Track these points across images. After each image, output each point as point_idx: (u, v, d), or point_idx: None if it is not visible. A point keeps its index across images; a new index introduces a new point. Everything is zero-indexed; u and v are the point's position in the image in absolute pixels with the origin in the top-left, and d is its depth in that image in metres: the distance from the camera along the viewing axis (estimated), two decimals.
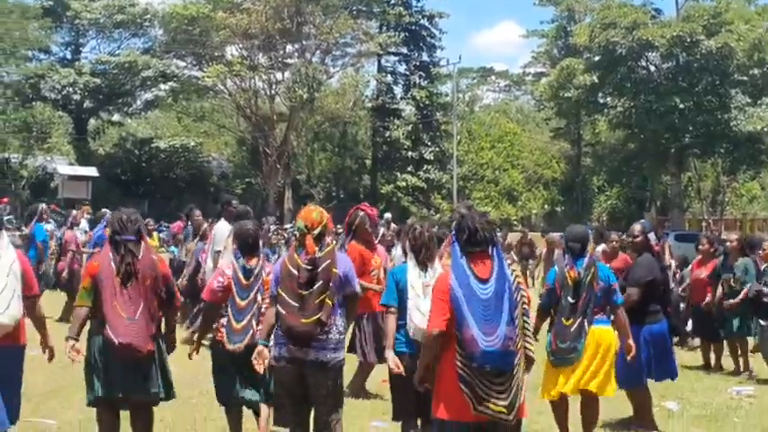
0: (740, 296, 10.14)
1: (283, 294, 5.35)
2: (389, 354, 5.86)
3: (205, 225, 12.28)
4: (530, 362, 4.49)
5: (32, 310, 5.76)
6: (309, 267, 5.34)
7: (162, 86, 44.01)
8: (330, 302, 5.35)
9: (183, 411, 7.42)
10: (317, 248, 5.40)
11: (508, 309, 4.28)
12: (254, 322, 5.98)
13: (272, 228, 18.17)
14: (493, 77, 70.93)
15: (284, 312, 5.33)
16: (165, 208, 34.96)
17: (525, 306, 4.47)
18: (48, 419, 6.90)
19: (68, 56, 45.09)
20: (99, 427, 5.83)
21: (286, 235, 22.49)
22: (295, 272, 5.35)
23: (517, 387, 4.28)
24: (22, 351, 5.73)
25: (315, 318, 5.28)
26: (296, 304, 5.30)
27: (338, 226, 12.00)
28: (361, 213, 8.27)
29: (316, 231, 5.45)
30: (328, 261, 5.39)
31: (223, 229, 9.90)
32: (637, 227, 7.89)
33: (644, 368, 7.33)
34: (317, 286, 5.33)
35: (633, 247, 7.95)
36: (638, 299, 7.37)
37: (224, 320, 6.17)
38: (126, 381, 5.59)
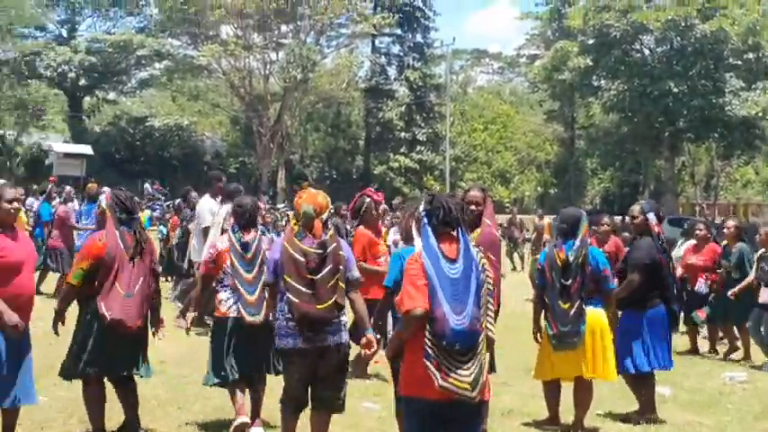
0: (743, 284, 10.07)
1: (291, 282, 5.29)
2: (369, 333, 5.56)
3: None
4: (490, 342, 4.50)
5: None
6: (319, 251, 5.35)
7: (157, 65, 43.90)
8: (343, 285, 5.37)
9: (175, 389, 7.55)
10: (323, 232, 5.43)
11: (475, 289, 4.32)
12: (265, 294, 6.04)
13: (265, 207, 18.29)
14: (486, 59, 70.74)
15: (296, 300, 5.27)
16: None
17: (490, 287, 4.48)
18: (40, 396, 7.04)
19: (64, 34, 44.95)
20: (87, 403, 6.03)
21: (278, 215, 22.57)
22: (301, 258, 5.31)
23: (480, 365, 4.29)
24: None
25: (330, 302, 5.30)
26: (308, 291, 5.28)
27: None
28: (368, 199, 8.32)
29: (324, 215, 5.49)
30: (335, 244, 5.41)
31: (207, 204, 9.86)
32: (636, 207, 7.59)
33: (641, 355, 7.14)
34: (327, 270, 5.32)
35: (634, 229, 7.61)
36: (640, 283, 7.13)
37: (225, 295, 6.30)
38: (116, 357, 5.82)
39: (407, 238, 5.11)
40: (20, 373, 5.47)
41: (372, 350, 5.41)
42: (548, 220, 18.18)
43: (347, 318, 5.61)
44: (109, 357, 5.84)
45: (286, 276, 5.32)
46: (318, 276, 5.30)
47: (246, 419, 6.21)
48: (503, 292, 8.08)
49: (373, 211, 8.35)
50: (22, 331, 5.37)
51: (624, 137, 41.68)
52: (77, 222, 13.98)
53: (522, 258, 22.89)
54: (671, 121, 37.74)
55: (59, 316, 5.87)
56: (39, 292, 9.67)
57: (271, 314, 5.79)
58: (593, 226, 9.43)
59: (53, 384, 7.52)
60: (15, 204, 5.56)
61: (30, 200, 20.31)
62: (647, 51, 40.09)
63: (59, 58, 40.28)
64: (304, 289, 5.27)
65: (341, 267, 5.38)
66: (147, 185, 33.96)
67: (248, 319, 6.13)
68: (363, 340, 5.43)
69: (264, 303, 6.03)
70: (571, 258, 6.50)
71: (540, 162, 53.68)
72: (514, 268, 22.07)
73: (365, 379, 8.21)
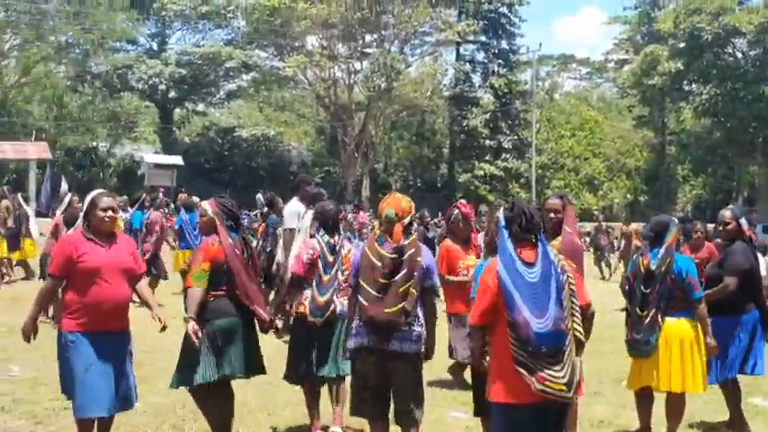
0: None
1: (363, 284, 5.31)
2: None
3: None
4: (579, 345, 4.46)
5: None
6: (395, 256, 5.32)
7: (244, 77, 44.74)
8: (415, 292, 5.31)
9: (264, 395, 7.60)
10: (403, 237, 5.39)
11: (555, 290, 4.30)
12: (335, 298, 6.20)
13: (350, 216, 18.35)
14: (573, 65, 69.87)
15: (365, 303, 5.29)
16: (245, 196, 35.58)
17: (572, 288, 4.44)
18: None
19: (155, 47, 46.20)
20: (205, 409, 6.07)
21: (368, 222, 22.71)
22: (377, 263, 5.31)
23: (572, 366, 4.29)
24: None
25: (398, 307, 5.25)
26: (377, 294, 5.26)
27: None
28: (456, 211, 8.29)
29: (406, 220, 5.46)
30: (413, 250, 5.35)
31: (294, 207, 9.92)
32: (726, 213, 7.34)
33: (735, 361, 6.92)
34: (401, 275, 5.29)
35: (725, 235, 7.30)
36: (736, 288, 6.89)
37: (307, 293, 6.36)
38: (238, 360, 5.90)
39: (492, 251, 5.04)
40: (117, 380, 5.52)
41: (430, 360, 5.46)
42: (634, 226, 17.78)
43: (422, 329, 5.53)
44: (232, 360, 5.92)
45: (360, 279, 5.35)
46: (391, 281, 5.28)
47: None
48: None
49: (461, 224, 8.28)
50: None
51: (716, 142, 40.66)
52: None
53: (609, 267, 22.42)
54: (765, 125, 36.61)
55: (195, 320, 5.78)
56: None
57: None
58: (686, 234, 9.18)
59: (148, 391, 7.67)
60: (110, 213, 5.66)
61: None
62: (739, 54, 39.07)
63: (150, 70, 41.42)
64: (373, 292, 5.27)
65: (415, 274, 5.32)
66: (258, 196, 34.52)
67: (310, 318, 6.23)
68: (422, 349, 5.45)
69: (331, 306, 6.21)
70: (653, 267, 6.38)
71: (630, 169, 52.64)
72: (603, 277, 21.62)
73: (457, 389, 8.13)
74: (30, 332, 5.71)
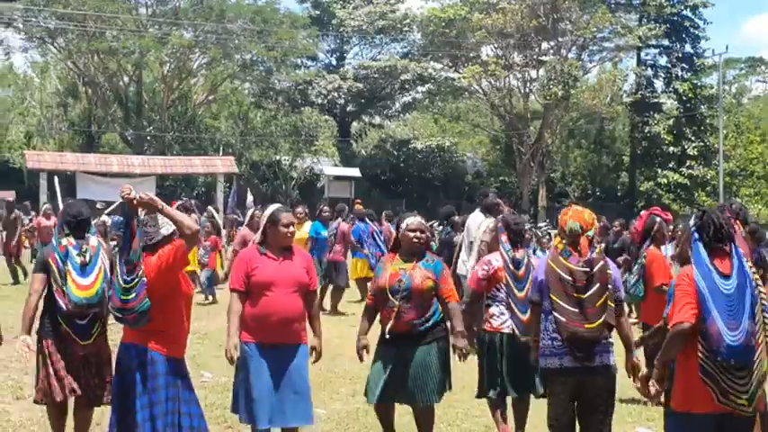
0: None
1: (558, 301, 5.19)
2: (635, 356, 5.51)
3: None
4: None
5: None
6: (586, 269, 5.20)
7: (419, 89, 45.20)
8: (612, 304, 5.20)
9: (443, 407, 7.53)
10: (589, 250, 5.27)
11: (749, 304, 4.29)
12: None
13: (526, 226, 18.07)
14: (763, 67, 66.21)
15: (564, 319, 5.16)
16: (421, 206, 35.89)
17: (764, 302, 4.40)
18: (317, 408, 7.29)
19: (333, 62, 47.50)
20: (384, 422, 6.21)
21: (540, 233, 22.27)
22: (567, 276, 5.18)
23: (757, 381, 4.27)
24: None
25: (600, 322, 5.14)
26: (575, 309, 5.15)
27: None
28: (658, 219, 8.04)
29: (590, 232, 5.32)
30: (602, 263, 5.23)
31: (477, 219, 9.92)
32: None
33: None
34: (594, 289, 5.16)
35: None
36: None
37: (497, 310, 6.33)
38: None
39: (684, 261, 4.89)
40: (286, 393, 5.59)
41: (640, 374, 5.19)
42: None
43: (614, 339, 5.36)
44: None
45: (552, 295, 5.21)
46: (586, 296, 5.15)
47: None
48: None
49: (664, 231, 8.00)
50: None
51: None
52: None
53: None
54: None
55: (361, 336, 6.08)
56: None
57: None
58: None
59: (328, 397, 7.80)
60: (291, 229, 5.78)
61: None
62: None
63: (329, 85, 42.59)
64: (571, 308, 5.14)
65: (609, 286, 5.19)
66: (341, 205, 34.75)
67: (522, 338, 6.13)
68: (628, 364, 5.30)
69: None
70: None
71: None
72: None
73: (638, 404, 7.82)
74: (233, 347, 5.65)
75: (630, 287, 7.57)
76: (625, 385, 8.09)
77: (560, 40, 40.60)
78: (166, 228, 5.20)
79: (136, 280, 5.03)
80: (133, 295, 5.02)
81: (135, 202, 5.03)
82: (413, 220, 6.15)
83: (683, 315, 4.30)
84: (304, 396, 5.68)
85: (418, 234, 6.07)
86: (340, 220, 14.87)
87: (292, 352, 5.65)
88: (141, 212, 5.20)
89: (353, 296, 14.79)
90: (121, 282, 5.07)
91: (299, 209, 14.36)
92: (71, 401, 5.96)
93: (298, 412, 5.65)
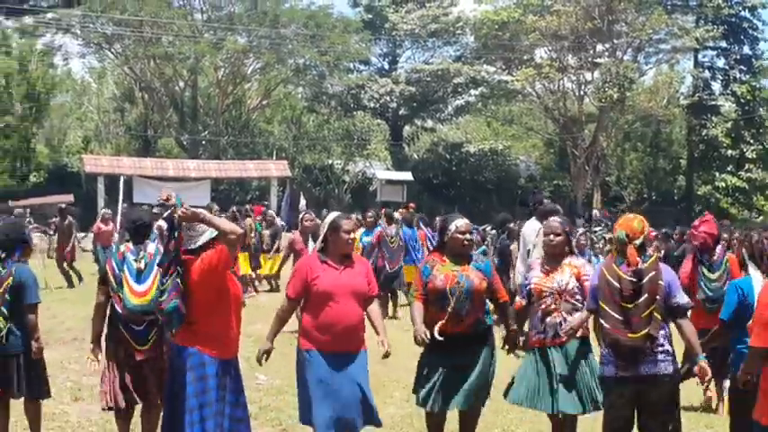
0: None
1: (605, 307, 5.18)
2: (701, 360, 5.33)
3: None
4: None
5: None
6: (634, 279, 5.13)
7: (472, 92, 44.99)
8: (659, 316, 5.12)
9: (496, 411, 7.47)
10: (639, 259, 5.19)
11: None
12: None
13: (581, 230, 17.88)
14: None
15: (608, 326, 5.17)
16: (473, 210, 35.73)
17: None
18: None
19: (386, 66, 47.53)
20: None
21: (594, 238, 22.06)
22: (616, 283, 5.16)
23: None
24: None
25: (643, 333, 5.08)
26: (620, 317, 5.12)
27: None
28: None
29: (637, 241, 5.25)
30: (653, 272, 5.15)
31: (532, 225, 9.84)
32: None
33: None
34: (642, 300, 5.10)
35: None
36: None
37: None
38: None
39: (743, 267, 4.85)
40: (348, 400, 5.59)
41: (707, 379, 5.10)
42: None
43: (672, 349, 5.23)
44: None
45: (601, 302, 5.22)
46: (632, 305, 5.10)
47: None
48: None
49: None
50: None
51: None
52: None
53: None
54: None
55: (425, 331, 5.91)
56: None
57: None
58: None
59: (382, 402, 7.78)
60: (352, 235, 5.80)
61: None
62: None
63: (381, 89, 42.62)
64: (616, 315, 5.12)
65: (658, 298, 5.12)
66: (595, 211, 34.54)
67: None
68: (696, 368, 5.21)
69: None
70: None
71: None
72: None
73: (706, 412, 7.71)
74: (263, 352, 5.83)
75: (717, 291, 7.48)
76: (691, 393, 8.00)
77: (615, 41, 40.10)
78: (209, 233, 5.23)
79: (169, 281, 5.08)
80: (165, 296, 5.07)
81: (176, 216, 5.07)
82: (461, 222, 6.10)
83: (763, 338, 4.29)
84: (368, 399, 5.70)
85: (468, 236, 6.04)
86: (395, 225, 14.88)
87: (353, 359, 5.67)
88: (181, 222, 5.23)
89: (404, 300, 14.77)
90: (159, 285, 5.13)
91: (370, 213, 14.54)
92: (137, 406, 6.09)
93: (364, 416, 5.68)
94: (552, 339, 5.95)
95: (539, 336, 6.04)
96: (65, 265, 17.58)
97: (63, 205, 20.08)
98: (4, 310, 6.13)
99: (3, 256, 6.24)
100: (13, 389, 6.18)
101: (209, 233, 5.22)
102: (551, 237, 6.08)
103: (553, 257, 6.12)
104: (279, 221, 20.56)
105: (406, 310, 13.55)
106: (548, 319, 5.98)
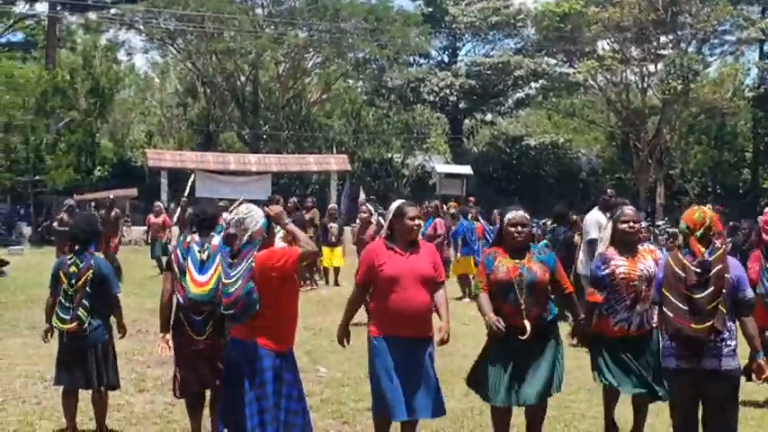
0: None
1: (669, 296, 5.12)
2: (760, 358, 5.31)
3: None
4: None
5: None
6: (699, 270, 5.08)
7: (533, 85, 44.69)
8: (724, 310, 5.05)
9: (559, 406, 7.43)
10: (704, 251, 5.13)
11: None
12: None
13: (643, 224, 17.70)
14: None
15: (671, 315, 5.11)
16: (534, 204, 35.47)
17: None
18: None
19: (445, 59, 47.41)
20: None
21: (657, 232, 21.77)
22: (681, 273, 5.11)
23: None
24: None
25: (707, 325, 5.01)
26: (684, 307, 5.06)
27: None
28: None
29: (698, 233, 5.19)
30: (720, 266, 5.08)
31: (594, 217, 9.79)
32: None
33: None
34: (708, 292, 5.03)
35: None
36: None
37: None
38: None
39: None
40: (416, 386, 5.60)
41: (764, 376, 5.04)
42: None
43: (736, 343, 5.16)
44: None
45: (664, 289, 5.17)
46: (697, 296, 5.03)
47: None
48: None
49: None
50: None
51: None
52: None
53: None
54: None
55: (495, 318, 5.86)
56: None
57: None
58: None
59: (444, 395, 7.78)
60: (417, 222, 5.83)
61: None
62: None
63: (441, 82, 42.56)
64: (680, 304, 5.06)
65: (724, 291, 5.04)
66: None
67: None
68: (753, 365, 5.19)
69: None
70: None
71: None
72: None
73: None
74: (342, 338, 5.99)
75: None
76: (752, 389, 7.86)
77: (679, 33, 39.38)
78: (254, 224, 5.31)
79: (239, 271, 5.13)
80: (236, 286, 5.10)
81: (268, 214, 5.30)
82: (514, 214, 6.04)
83: None
84: (435, 388, 5.71)
85: (519, 228, 5.98)
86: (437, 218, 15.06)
87: (421, 345, 5.68)
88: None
89: (455, 293, 14.72)
90: (224, 279, 5.19)
91: (435, 202, 14.70)
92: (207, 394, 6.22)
93: (430, 404, 5.67)
94: (638, 329, 6.07)
95: (621, 324, 6.08)
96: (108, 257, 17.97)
97: (111, 197, 20.36)
98: (86, 303, 6.31)
99: (78, 249, 6.42)
100: (92, 379, 6.37)
101: (254, 225, 5.30)
102: (631, 224, 6.16)
103: (630, 245, 6.18)
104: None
105: (455, 304, 13.59)
106: (637, 307, 6.04)
